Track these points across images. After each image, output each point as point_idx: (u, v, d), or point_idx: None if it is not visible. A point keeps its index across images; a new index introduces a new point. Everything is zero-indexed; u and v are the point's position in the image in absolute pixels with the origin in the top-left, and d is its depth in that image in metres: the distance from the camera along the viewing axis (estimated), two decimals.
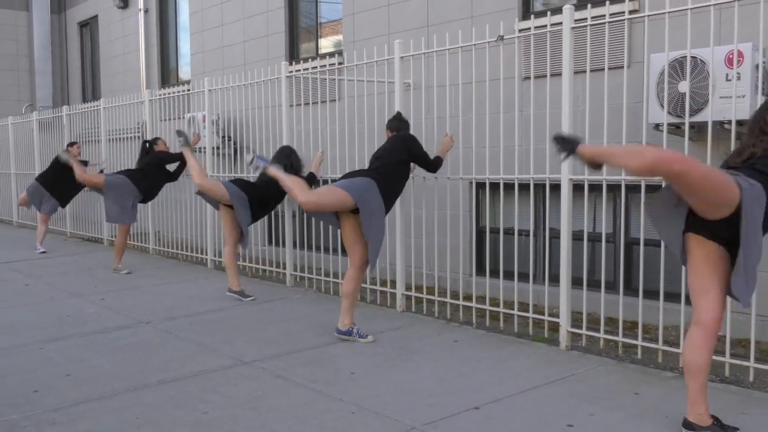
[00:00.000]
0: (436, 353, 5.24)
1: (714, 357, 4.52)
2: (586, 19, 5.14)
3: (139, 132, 11.45)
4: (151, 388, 4.55)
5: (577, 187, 5.42)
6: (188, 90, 9.92)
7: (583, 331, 5.23)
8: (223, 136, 9.95)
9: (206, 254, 9.35)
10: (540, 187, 6.24)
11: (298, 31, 10.05)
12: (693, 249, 3.51)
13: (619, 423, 3.86)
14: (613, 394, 4.31)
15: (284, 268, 8.06)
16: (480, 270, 7.12)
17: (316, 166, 7.23)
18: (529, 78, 5.96)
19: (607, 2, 5.03)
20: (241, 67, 10.53)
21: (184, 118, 10.32)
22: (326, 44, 9.75)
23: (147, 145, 9.10)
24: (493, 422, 3.90)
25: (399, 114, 5.94)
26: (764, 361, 4.57)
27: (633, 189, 5.71)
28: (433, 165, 5.82)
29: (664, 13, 4.71)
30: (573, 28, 5.10)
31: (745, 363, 4.53)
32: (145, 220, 10.49)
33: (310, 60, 9.54)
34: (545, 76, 5.59)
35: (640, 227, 5.04)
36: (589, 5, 6.15)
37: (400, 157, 5.57)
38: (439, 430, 3.80)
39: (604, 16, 5.05)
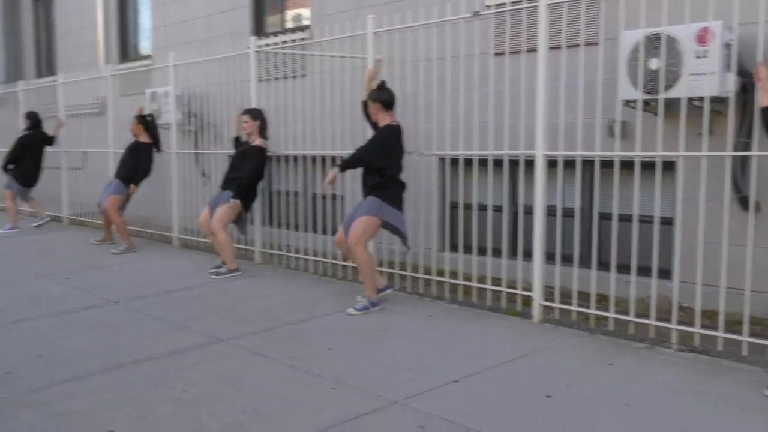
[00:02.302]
0: (412, 328, 5.27)
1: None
2: None
3: (97, 108, 11.23)
4: (126, 368, 4.50)
5: (551, 163, 5.47)
6: (151, 65, 9.73)
7: (556, 305, 5.31)
8: (188, 112, 9.81)
9: (172, 232, 9.24)
10: (514, 162, 6.28)
11: (264, 5, 9.90)
12: None
13: (595, 393, 3.95)
14: (587, 366, 4.39)
15: (253, 245, 8.01)
16: (452, 246, 7.17)
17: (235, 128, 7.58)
18: (502, 54, 5.97)
19: None
20: (205, 41, 10.34)
21: (145, 93, 10.14)
22: (293, 18, 9.62)
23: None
24: (474, 395, 3.95)
25: (383, 83, 5.83)
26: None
27: (606, 164, 5.77)
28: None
29: None
30: (549, 4, 5.11)
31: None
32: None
33: (278, 35, 9.41)
34: (519, 52, 5.60)
35: (612, 202, 5.11)
36: None
37: None
38: (420, 404, 3.83)
39: None
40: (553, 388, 4.02)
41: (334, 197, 8.01)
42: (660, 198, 5.02)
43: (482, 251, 6.12)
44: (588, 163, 6.15)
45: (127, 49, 12.81)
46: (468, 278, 6.07)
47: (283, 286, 6.75)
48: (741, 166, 5.55)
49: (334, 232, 7.80)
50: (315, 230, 8.14)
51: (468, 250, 6.26)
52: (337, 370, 4.39)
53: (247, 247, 8.12)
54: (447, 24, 5.77)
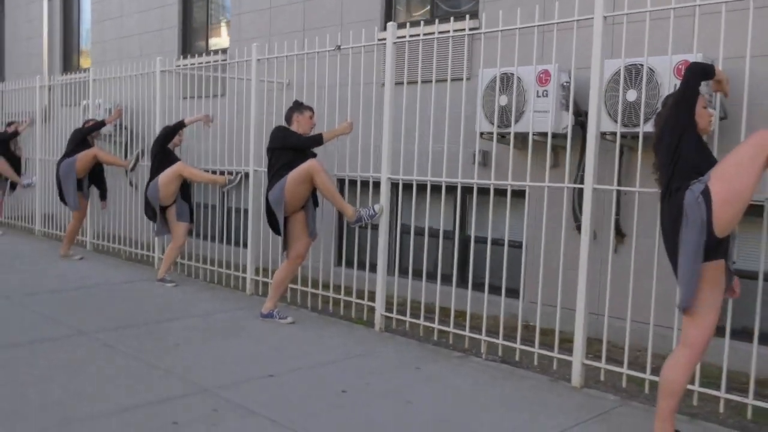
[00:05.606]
0: (263, 331, 5.72)
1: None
2: (405, 36, 5.71)
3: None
4: None
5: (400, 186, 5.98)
6: (85, 77, 10.17)
7: (394, 315, 5.80)
8: (118, 125, 10.23)
9: (86, 236, 9.62)
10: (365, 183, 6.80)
11: (190, 28, 10.43)
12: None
13: (386, 391, 4.41)
14: (396, 369, 4.87)
15: (154, 251, 8.42)
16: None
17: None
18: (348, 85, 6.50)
19: (436, 20, 5.63)
20: (138, 58, 10.81)
21: (80, 105, 10.56)
22: (216, 42, 10.15)
23: None
24: (280, 387, 4.40)
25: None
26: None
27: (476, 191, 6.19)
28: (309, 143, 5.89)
29: (482, 32, 5.29)
30: (395, 43, 5.67)
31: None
32: (32, 202, 10.76)
33: (204, 55, 9.91)
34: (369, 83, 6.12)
35: (438, 221, 5.61)
36: (436, 21, 6.68)
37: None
38: (228, 392, 4.28)
39: (448, 31, 5.63)
40: (353, 385, 4.47)
41: (237, 210, 8.44)
42: (475, 219, 5.54)
43: (350, 265, 6.60)
44: (450, 189, 6.66)
45: (69, 62, 13.28)
46: (331, 289, 6.54)
47: (167, 291, 7.15)
48: (578, 198, 6.07)
49: (236, 243, 8.14)
50: (223, 241, 8.51)
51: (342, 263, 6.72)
52: (173, 362, 4.82)
53: (149, 253, 8.53)
54: (315, 55, 6.32)
